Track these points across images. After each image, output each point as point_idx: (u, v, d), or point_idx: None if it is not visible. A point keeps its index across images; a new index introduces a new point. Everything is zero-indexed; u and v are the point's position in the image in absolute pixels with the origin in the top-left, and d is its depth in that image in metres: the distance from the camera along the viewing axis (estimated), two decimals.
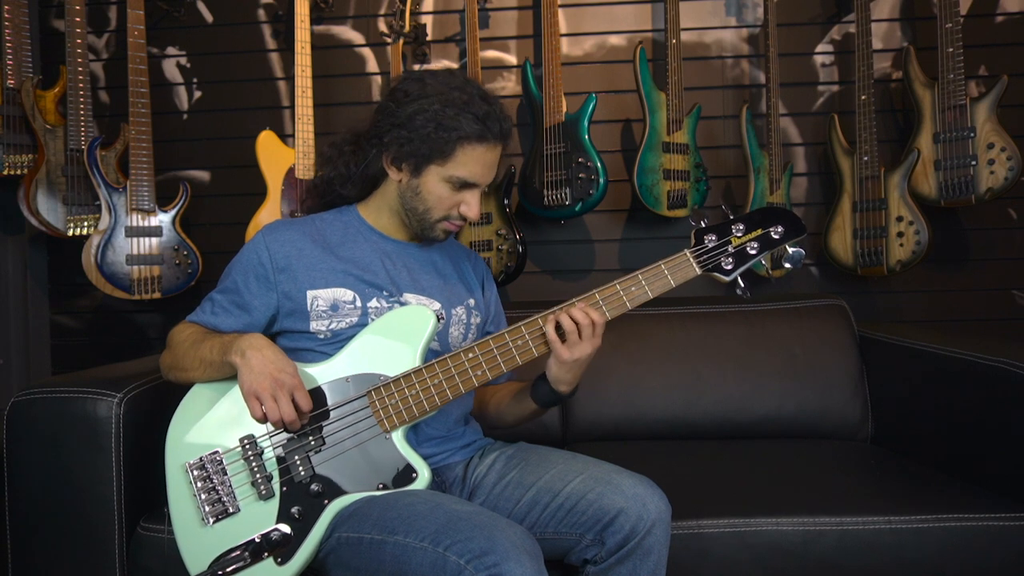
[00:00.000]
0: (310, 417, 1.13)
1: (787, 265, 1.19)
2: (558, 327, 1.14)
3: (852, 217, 2.10)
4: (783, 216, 1.18)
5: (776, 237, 1.17)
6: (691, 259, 1.17)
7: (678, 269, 1.17)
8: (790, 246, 1.18)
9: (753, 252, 1.17)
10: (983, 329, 2.24)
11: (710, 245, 1.17)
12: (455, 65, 2.32)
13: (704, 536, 1.25)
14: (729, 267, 1.17)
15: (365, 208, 1.33)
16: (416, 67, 2.31)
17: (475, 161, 1.19)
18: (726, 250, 1.17)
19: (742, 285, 1.18)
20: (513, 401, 1.32)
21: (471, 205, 1.23)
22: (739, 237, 1.17)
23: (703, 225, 1.18)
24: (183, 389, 1.21)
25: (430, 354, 1.20)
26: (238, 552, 1.08)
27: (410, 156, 1.20)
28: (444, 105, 1.17)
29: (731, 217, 1.19)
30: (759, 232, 1.17)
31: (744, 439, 1.74)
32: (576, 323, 1.13)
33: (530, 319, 1.17)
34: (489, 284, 1.44)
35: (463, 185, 1.21)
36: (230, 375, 1.15)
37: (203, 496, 1.12)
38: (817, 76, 2.28)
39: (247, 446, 1.13)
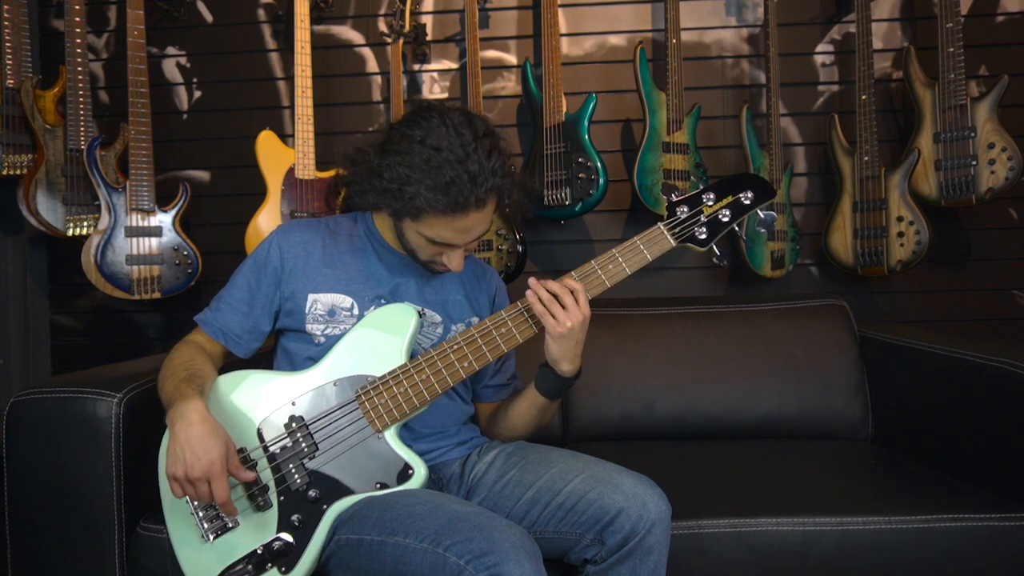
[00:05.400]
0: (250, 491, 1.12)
1: (761, 230, 1.21)
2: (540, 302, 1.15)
3: (852, 217, 2.10)
4: (752, 181, 1.20)
5: (747, 202, 1.19)
6: (665, 232, 1.18)
7: (654, 243, 1.18)
8: (762, 210, 1.19)
9: (726, 219, 1.18)
10: (983, 329, 2.23)
11: (683, 216, 1.18)
12: (455, 65, 2.32)
13: (704, 536, 1.25)
14: (703, 236, 1.18)
15: (380, 219, 1.31)
16: (415, 66, 2.31)
17: (444, 227, 1.15)
18: (699, 220, 1.18)
19: (718, 253, 1.20)
20: (518, 403, 1.30)
21: (451, 259, 1.20)
22: (710, 206, 1.19)
23: (674, 198, 1.19)
24: None
25: None
26: (241, 565, 1.08)
27: (385, 206, 1.17)
28: (411, 170, 1.11)
29: (700, 188, 1.20)
30: (730, 199, 1.19)
31: (744, 439, 1.73)
32: (554, 294, 1.14)
33: (510, 305, 1.19)
34: (501, 300, 1.42)
35: (438, 244, 1.18)
36: None
37: (201, 513, 1.11)
38: (817, 76, 2.28)
39: (240, 459, 1.13)
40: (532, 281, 1.16)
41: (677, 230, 1.18)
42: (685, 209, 1.18)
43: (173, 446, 1.04)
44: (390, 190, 1.13)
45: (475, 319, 1.33)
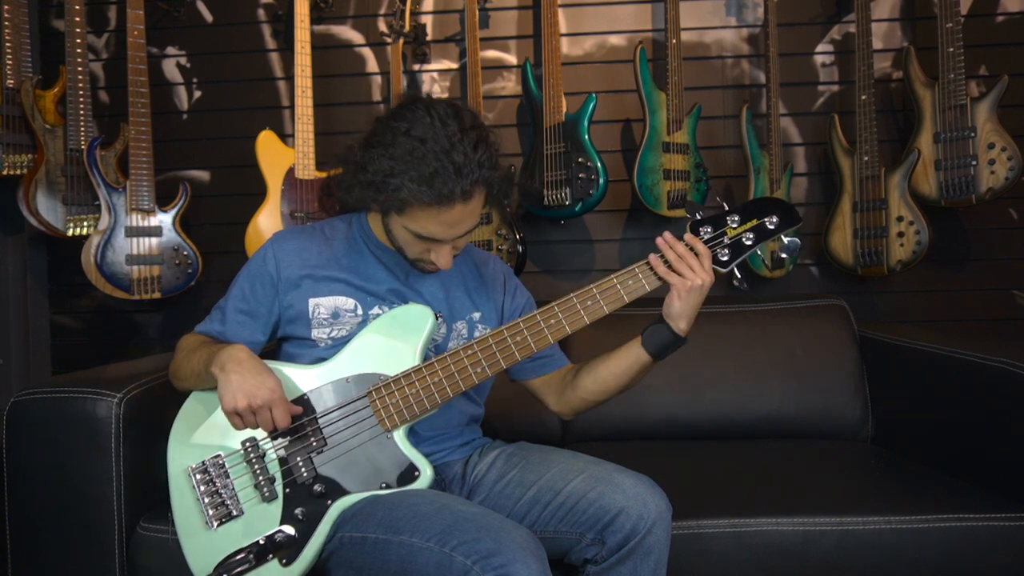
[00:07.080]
0: (295, 425, 1.13)
1: (783, 255, 1.18)
2: (666, 264, 1.15)
3: (852, 217, 2.10)
4: (778, 206, 1.18)
5: (771, 227, 1.16)
6: None
7: None
8: (785, 236, 1.17)
9: (749, 243, 1.17)
10: (983, 329, 2.24)
11: (706, 237, 1.16)
12: (455, 65, 2.32)
13: (704, 536, 1.25)
14: (725, 258, 1.16)
15: (373, 219, 1.31)
16: (415, 66, 2.31)
17: (430, 220, 1.11)
18: (722, 241, 1.17)
19: (739, 276, 1.18)
20: (614, 361, 1.24)
21: (439, 256, 1.17)
22: (734, 228, 1.17)
23: (698, 217, 1.17)
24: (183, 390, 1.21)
25: None
26: (243, 554, 1.08)
27: (371, 201, 1.14)
28: (395, 161, 1.08)
29: (726, 208, 1.18)
30: (754, 223, 1.17)
31: (744, 439, 1.74)
32: (680, 255, 1.14)
33: (527, 316, 1.17)
34: (512, 289, 1.39)
35: (425, 239, 1.15)
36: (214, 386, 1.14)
37: (206, 499, 1.12)
38: (817, 76, 2.28)
39: (249, 449, 1.13)
40: (663, 238, 1.15)
41: None
42: (708, 229, 1.16)
43: (229, 383, 1.07)
44: (374, 183, 1.10)
45: (477, 314, 1.32)
